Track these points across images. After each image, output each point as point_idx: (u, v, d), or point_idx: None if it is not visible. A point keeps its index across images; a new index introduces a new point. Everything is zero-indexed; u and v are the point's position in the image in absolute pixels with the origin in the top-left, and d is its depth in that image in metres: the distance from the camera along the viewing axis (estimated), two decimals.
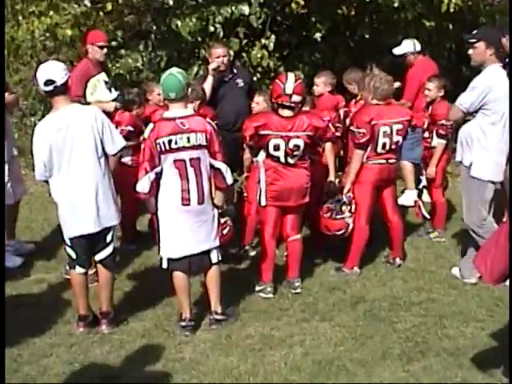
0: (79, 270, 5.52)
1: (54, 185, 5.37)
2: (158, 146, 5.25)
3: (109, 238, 5.49)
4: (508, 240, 3.98)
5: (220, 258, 5.60)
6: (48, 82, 5.21)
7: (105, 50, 7.65)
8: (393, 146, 6.48)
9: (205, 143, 5.35)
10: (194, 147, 5.32)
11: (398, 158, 6.72)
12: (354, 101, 7.48)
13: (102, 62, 7.77)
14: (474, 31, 6.13)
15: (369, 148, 6.40)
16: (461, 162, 6.14)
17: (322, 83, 7.59)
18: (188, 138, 5.29)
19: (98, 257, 5.52)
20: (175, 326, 5.54)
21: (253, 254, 6.95)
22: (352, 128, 6.42)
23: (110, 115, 7.16)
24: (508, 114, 5.88)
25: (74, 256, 5.50)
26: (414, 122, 6.90)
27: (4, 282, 5.64)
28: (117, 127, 6.99)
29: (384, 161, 6.49)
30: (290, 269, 6.27)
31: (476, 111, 5.91)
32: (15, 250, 7.01)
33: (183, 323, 5.49)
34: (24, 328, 5.45)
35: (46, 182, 5.44)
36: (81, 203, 5.33)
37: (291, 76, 6.03)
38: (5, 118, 6.69)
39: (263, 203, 6.12)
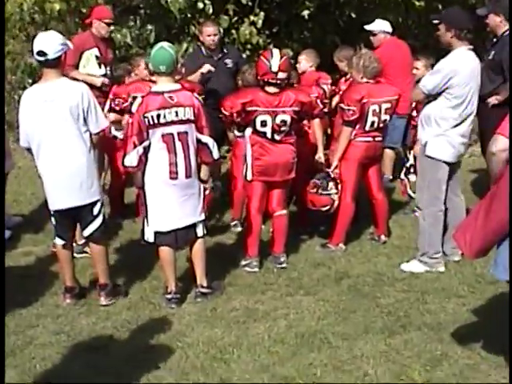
0: (59, 241, 5.56)
1: (38, 157, 5.39)
2: (147, 119, 5.27)
3: (96, 211, 5.49)
4: (488, 214, 4.04)
5: (205, 232, 5.64)
6: (40, 53, 5.21)
7: (111, 26, 7.69)
8: (380, 125, 6.53)
9: (192, 118, 5.38)
10: (181, 121, 5.35)
11: (384, 136, 6.77)
12: (343, 79, 7.53)
13: (105, 38, 7.80)
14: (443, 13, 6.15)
15: (357, 126, 6.45)
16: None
17: (304, 60, 7.70)
18: (176, 113, 5.32)
19: (86, 232, 5.54)
20: (161, 298, 5.59)
21: (239, 229, 7.00)
22: (342, 105, 6.43)
23: (98, 89, 7.23)
24: (472, 98, 5.85)
25: (55, 228, 5.54)
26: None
27: (4, 276, 5.65)
28: (114, 99, 7.05)
29: (371, 138, 6.54)
30: (275, 244, 6.33)
31: (439, 93, 5.84)
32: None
33: (169, 296, 5.54)
34: (11, 299, 5.45)
35: (29, 150, 5.44)
36: (64, 177, 5.34)
37: (276, 53, 6.06)
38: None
39: (249, 178, 6.17)
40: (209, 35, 7.66)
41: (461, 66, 5.78)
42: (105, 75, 7.61)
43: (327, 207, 6.51)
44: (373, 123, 6.46)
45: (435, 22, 6.00)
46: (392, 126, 7.50)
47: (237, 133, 6.86)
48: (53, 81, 5.30)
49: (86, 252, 6.19)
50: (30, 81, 10.22)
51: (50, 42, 5.24)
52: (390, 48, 8.28)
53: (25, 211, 7.72)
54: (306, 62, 7.71)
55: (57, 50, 5.23)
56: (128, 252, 6.58)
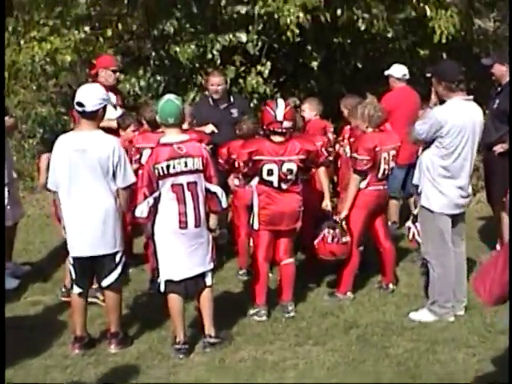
0: (76, 289, 5.58)
1: (64, 202, 5.47)
2: (157, 170, 5.34)
3: (117, 260, 5.54)
4: (507, 263, 4.04)
5: (213, 281, 5.67)
6: (79, 104, 5.35)
7: (117, 74, 7.81)
8: (388, 172, 6.61)
9: (201, 168, 5.46)
10: (191, 171, 5.42)
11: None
12: (348, 127, 7.59)
13: (112, 87, 7.91)
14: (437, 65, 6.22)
15: (369, 175, 6.49)
16: (417, 187, 6.13)
17: (307, 109, 7.80)
18: (185, 163, 5.39)
19: (106, 281, 5.56)
20: (170, 349, 5.58)
21: (246, 278, 7.01)
22: (355, 155, 6.45)
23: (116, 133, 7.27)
24: (465, 149, 5.84)
25: (74, 276, 5.56)
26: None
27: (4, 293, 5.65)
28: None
29: (381, 187, 6.61)
30: (283, 292, 6.33)
31: (432, 142, 5.86)
32: (12, 271, 7.05)
33: (177, 346, 5.53)
34: (19, 350, 5.48)
35: (56, 193, 5.52)
36: (88, 225, 5.41)
37: (281, 102, 6.17)
38: (5, 132, 6.76)
39: (256, 227, 6.20)
40: (212, 85, 7.81)
41: (451, 116, 5.78)
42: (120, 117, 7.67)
43: (345, 255, 6.53)
44: (384, 171, 6.53)
45: (428, 75, 6.08)
46: (391, 176, 7.56)
47: (236, 182, 6.92)
48: (87, 131, 5.40)
49: (97, 298, 6.21)
50: (41, 130, 10.36)
51: (90, 95, 5.39)
52: (398, 95, 8.39)
53: (34, 260, 7.74)
54: (310, 110, 7.81)
55: (95, 104, 5.36)
56: (136, 301, 6.58)
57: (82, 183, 5.37)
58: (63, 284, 6.61)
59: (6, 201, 6.81)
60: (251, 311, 6.21)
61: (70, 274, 5.66)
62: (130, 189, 5.53)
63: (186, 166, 5.40)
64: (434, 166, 5.88)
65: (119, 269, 5.56)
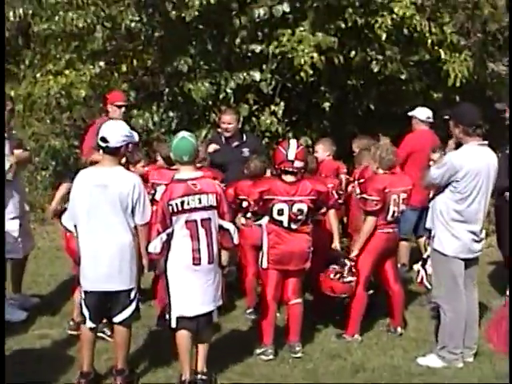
0: (90, 324, 5.56)
1: (82, 236, 5.49)
2: (171, 207, 5.39)
3: (131, 296, 5.54)
4: None
5: (220, 319, 5.72)
6: (103, 139, 5.41)
7: (123, 109, 7.87)
8: (398, 215, 6.61)
9: (215, 204, 5.50)
10: (205, 208, 5.47)
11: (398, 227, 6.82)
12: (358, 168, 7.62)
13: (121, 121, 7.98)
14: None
15: (379, 216, 6.49)
16: (430, 230, 6.13)
17: (320, 149, 7.82)
18: (199, 199, 5.44)
19: (118, 318, 5.55)
20: None
21: (254, 317, 6.99)
22: (365, 196, 6.49)
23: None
24: (479, 194, 5.85)
25: (86, 311, 5.54)
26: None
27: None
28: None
29: (391, 230, 6.61)
30: (290, 332, 6.31)
31: (446, 186, 5.88)
32: (20, 303, 7.06)
33: None
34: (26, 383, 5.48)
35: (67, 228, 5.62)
36: (105, 260, 5.42)
37: (293, 142, 6.23)
38: (4, 124, 6.76)
39: (265, 266, 6.21)
40: (224, 123, 7.92)
41: (466, 161, 5.80)
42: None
43: (345, 295, 6.56)
44: (393, 213, 6.53)
45: (445, 117, 6.10)
46: (403, 218, 7.56)
47: (243, 220, 6.94)
48: (108, 167, 5.45)
49: (105, 333, 6.20)
50: (54, 163, 10.41)
51: (114, 131, 5.45)
52: (420, 137, 8.41)
53: (43, 292, 7.73)
54: (323, 150, 7.83)
55: (119, 141, 5.42)
56: (144, 338, 6.54)
57: (101, 218, 5.40)
58: (71, 317, 6.61)
59: (17, 233, 6.84)
60: (258, 350, 6.19)
61: (80, 308, 5.63)
62: (148, 225, 5.55)
63: (200, 202, 5.44)
64: (448, 210, 5.88)
65: (133, 305, 5.56)
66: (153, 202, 6.10)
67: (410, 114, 8.69)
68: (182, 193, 5.41)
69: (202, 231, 5.45)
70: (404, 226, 7.96)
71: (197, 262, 5.45)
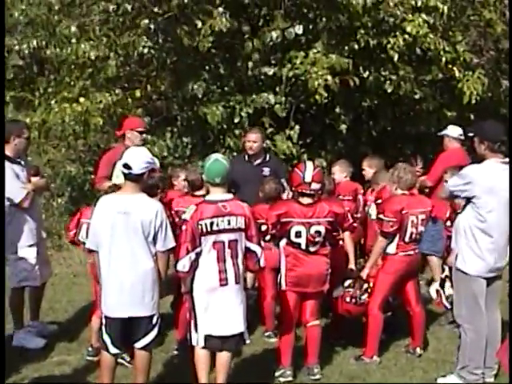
0: (113, 350, 5.52)
1: (103, 262, 5.49)
2: (200, 227, 5.45)
3: (154, 321, 5.53)
4: None
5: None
6: (126, 166, 5.42)
7: (144, 135, 7.89)
8: (417, 236, 6.59)
9: (243, 226, 5.56)
10: (233, 230, 5.53)
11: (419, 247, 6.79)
12: (370, 189, 7.63)
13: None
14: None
15: (396, 238, 6.48)
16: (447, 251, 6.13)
17: (337, 171, 7.82)
18: (229, 221, 5.51)
19: (140, 344, 5.53)
20: None
21: (273, 340, 6.96)
22: (382, 216, 6.49)
23: None
24: (500, 212, 5.81)
25: (107, 337, 5.51)
26: (434, 213, 6.99)
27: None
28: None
29: (412, 252, 6.59)
30: (309, 354, 6.28)
31: (467, 203, 5.87)
32: (38, 331, 7.05)
33: None
34: None
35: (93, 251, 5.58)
36: (127, 287, 5.42)
37: (309, 164, 6.25)
38: (5, 127, 6.78)
39: (283, 288, 6.20)
40: (249, 141, 7.96)
41: (483, 177, 5.79)
42: None
43: (360, 313, 6.60)
44: (411, 234, 6.51)
45: (470, 134, 6.09)
46: (437, 235, 7.56)
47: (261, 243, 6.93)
48: (131, 194, 5.47)
49: (124, 359, 6.19)
50: (69, 189, 10.47)
51: (137, 159, 5.46)
52: (454, 155, 8.40)
53: (60, 319, 7.72)
54: (340, 172, 7.84)
55: (142, 167, 5.43)
56: (161, 362, 6.51)
57: (123, 245, 5.41)
58: (90, 344, 6.60)
59: (35, 261, 6.84)
60: (277, 373, 6.17)
61: (100, 334, 5.61)
62: (169, 253, 5.57)
63: (229, 224, 5.50)
64: (471, 228, 5.86)
65: (155, 330, 5.55)
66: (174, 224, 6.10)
67: (441, 133, 8.70)
68: (211, 214, 5.48)
69: (228, 252, 5.52)
70: (438, 242, 7.92)
71: (223, 282, 5.51)
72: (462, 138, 8.52)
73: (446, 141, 8.66)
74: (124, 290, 5.43)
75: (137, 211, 5.41)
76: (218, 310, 5.52)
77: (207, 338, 5.55)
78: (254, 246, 5.63)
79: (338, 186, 7.62)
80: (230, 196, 5.67)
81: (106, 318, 5.54)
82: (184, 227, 5.56)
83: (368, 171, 7.80)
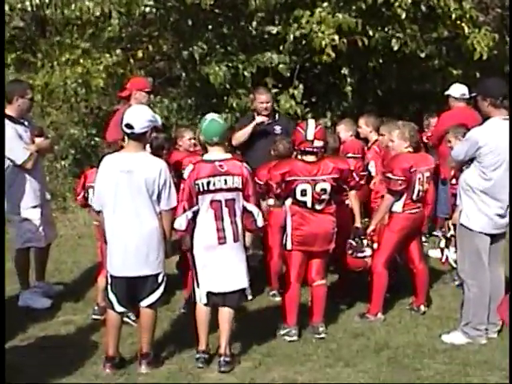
0: (119, 308, 5.56)
1: (108, 222, 5.51)
2: (197, 186, 5.48)
3: (159, 280, 5.56)
4: None
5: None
6: (128, 126, 5.40)
7: (151, 96, 7.83)
8: (423, 194, 6.59)
9: (240, 186, 5.57)
10: (230, 189, 5.54)
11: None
12: (366, 147, 7.59)
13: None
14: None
15: (404, 196, 6.47)
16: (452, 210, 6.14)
17: (342, 130, 7.72)
18: (225, 180, 5.52)
19: (146, 302, 5.56)
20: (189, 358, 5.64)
21: (278, 299, 6.99)
22: (390, 175, 6.46)
23: None
24: (506, 169, 5.80)
25: (112, 296, 5.54)
26: (442, 175, 6.98)
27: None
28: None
29: (418, 209, 6.60)
30: (314, 314, 6.30)
31: (471, 161, 5.86)
32: (44, 291, 7.10)
33: (197, 355, 5.63)
34: (50, 369, 5.49)
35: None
36: (132, 246, 5.44)
37: (311, 122, 6.21)
38: (4, 120, 6.72)
39: (289, 247, 6.19)
40: (261, 102, 7.90)
41: (490, 136, 5.77)
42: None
43: (360, 269, 6.65)
44: (418, 192, 6.51)
45: (473, 94, 6.07)
46: (446, 195, 7.55)
47: (271, 202, 6.91)
48: (133, 153, 5.46)
49: (129, 317, 6.22)
50: (73, 151, 10.44)
51: (138, 117, 5.43)
52: (457, 114, 8.33)
53: (66, 280, 7.77)
54: (345, 131, 7.76)
55: (144, 126, 5.41)
56: (167, 321, 6.56)
57: (127, 204, 5.41)
58: (96, 303, 6.65)
59: (39, 222, 6.86)
60: (282, 331, 6.19)
61: (106, 293, 5.65)
62: (174, 212, 5.56)
63: (225, 183, 5.52)
64: (475, 185, 5.86)
65: (161, 289, 5.59)
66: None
67: (445, 93, 8.61)
68: (208, 173, 5.49)
69: (225, 211, 5.55)
70: (445, 206, 7.92)
71: (222, 241, 5.55)
72: (466, 96, 8.46)
73: (450, 100, 8.61)
74: (129, 249, 5.44)
75: (140, 169, 5.40)
76: (218, 267, 5.56)
77: (209, 294, 5.60)
78: (250, 206, 5.64)
79: (344, 145, 7.57)
80: (228, 155, 5.68)
81: (111, 277, 5.56)
82: (182, 186, 5.59)
83: (364, 129, 7.77)
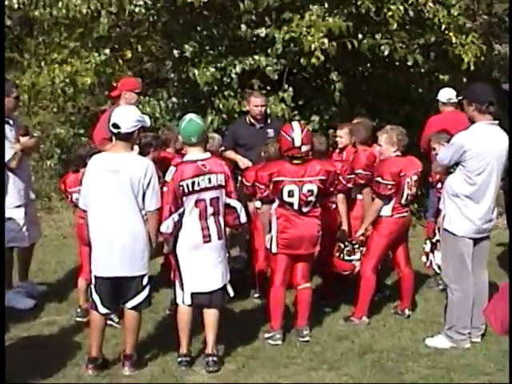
0: (103, 310, 5.55)
1: (93, 222, 5.50)
2: (182, 187, 5.47)
3: (144, 282, 5.56)
4: None
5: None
6: (114, 125, 5.41)
7: (140, 96, 7.82)
8: (411, 198, 6.62)
9: (223, 183, 5.60)
10: (214, 187, 5.57)
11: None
12: (337, 151, 7.53)
13: None
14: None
15: (393, 200, 6.48)
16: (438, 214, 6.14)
17: (345, 134, 7.41)
18: (209, 179, 5.54)
19: (130, 304, 5.56)
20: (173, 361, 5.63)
21: (261, 301, 6.97)
22: (379, 180, 6.45)
23: None
24: (490, 174, 5.82)
25: (96, 297, 5.53)
26: (431, 179, 7.01)
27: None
28: None
29: (406, 213, 6.62)
30: (299, 317, 6.29)
31: (456, 165, 5.86)
32: (27, 291, 7.06)
33: (179, 359, 5.62)
34: (33, 370, 5.47)
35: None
36: (117, 248, 5.42)
37: (297, 127, 6.16)
38: (4, 121, 6.71)
39: (274, 251, 6.18)
40: (256, 105, 7.92)
41: (474, 140, 5.78)
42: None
43: (347, 272, 6.66)
44: (407, 196, 6.52)
45: (459, 98, 6.09)
46: (433, 199, 7.58)
47: (257, 204, 6.89)
48: (120, 153, 5.45)
49: (113, 320, 6.20)
50: (59, 151, 10.39)
51: (125, 117, 5.44)
52: (445, 119, 8.31)
53: (50, 280, 7.74)
54: (347, 135, 7.55)
55: (130, 126, 5.42)
56: (150, 323, 6.53)
57: (113, 204, 5.41)
58: (78, 305, 6.63)
59: (23, 221, 6.83)
60: (266, 335, 6.18)
61: (90, 294, 5.63)
62: (160, 213, 5.55)
63: (209, 182, 5.54)
64: (459, 190, 5.87)
65: (146, 291, 5.58)
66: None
67: (438, 99, 8.64)
68: (192, 173, 5.50)
69: (210, 209, 5.56)
70: (433, 207, 7.92)
71: (207, 239, 5.56)
72: (453, 101, 8.48)
73: (439, 105, 8.63)
74: (115, 249, 5.43)
75: (126, 169, 5.39)
76: (203, 266, 5.56)
77: (193, 295, 5.58)
78: (233, 202, 5.69)
79: (345, 150, 7.43)
80: (208, 155, 5.69)
81: (95, 277, 5.54)
82: (166, 189, 5.58)
83: (339, 139, 7.58)
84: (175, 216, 5.50)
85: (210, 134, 7.30)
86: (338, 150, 7.54)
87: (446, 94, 8.55)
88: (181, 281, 5.62)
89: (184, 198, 5.50)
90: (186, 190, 5.49)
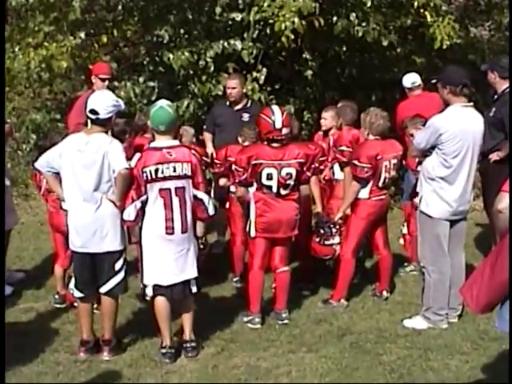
0: (77, 294, 5.61)
1: (66, 201, 5.55)
2: (145, 174, 5.37)
3: (118, 266, 5.55)
4: (493, 271, 4.02)
5: (198, 289, 5.67)
6: (92, 111, 5.39)
7: (106, 82, 7.79)
8: (389, 181, 6.62)
9: (190, 173, 5.47)
10: (179, 177, 5.44)
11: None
12: (320, 133, 7.54)
13: None
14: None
15: (370, 183, 6.49)
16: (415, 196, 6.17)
17: (329, 117, 7.39)
18: (174, 168, 5.42)
19: (105, 288, 5.56)
20: (156, 354, 5.58)
21: (240, 285, 6.99)
22: (356, 162, 6.44)
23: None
24: (466, 156, 5.86)
25: (72, 282, 5.61)
26: (404, 162, 7.03)
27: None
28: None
29: (383, 196, 6.62)
30: (277, 300, 6.31)
31: (432, 149, 5.88)
32: (5, 278, 7.01)
33: (163, 350, 5.56)
34: (11, 356, 5.41)
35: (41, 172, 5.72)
36: (89, 223, 5.44)
37: (277, 110, 6.15)
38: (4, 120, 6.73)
39: (253, 235, 6.18)
40: (228, 87, 8.09)
41: (450, 123, 5.80)
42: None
43: (328, 257, 6.64)
44: (385, 180, 6.53)
45: (433, 81, 6.10)
46: (408, 183, 7.60)
47: (232, 188, 6.89)
48: (93, 134, 5.44)
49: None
50: (35, 137, 10.31)
51: (103, 103, 5.42)
52: (413, 103, 8.35)
53: (27, 267, 7.72)
54: (332, 118, 7.39)
55: (108, 111, 5.41)
56: (129, 308, 6.54)
57: (81, 183, 5.41)
58: (56, 291, 6.61)
59: None
60: (245, 319, 6.20)
61: (75, 278, 5.66)
62: (128, 176, 5.42)
63: (174, 171, 5.42)
64: (435, 173, 5.89)
65: (120, 275, 5.57)
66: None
67: (403, 84, 8.64)
68: (156, 160, 5.39)
69: (175, 200, 5.43)
70: (408, 189, 7.95)
71: (170, 231, 5.44)
72: (416, 85, 8.50)
73: (406, 91, 8.64)
74: (86, 228, 5.45)
75: (91, 147, 5.39)
76: (164, 259, 5.47)
77: (155, 287, 5.52)
78: (200, 194, 5.54)
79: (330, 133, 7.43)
80: (176, 142, 5.59)
81: (72, 253, 5.61)
82: None
83: (325, 122, 7.59)
84: (137, 203, 5.41)
85: (183, 127, 7.31)
86: (321, 132, 7.56)
87: (409, 79, 8.58)
88: (142, 272, 5.56)
89: (147, 186, 5.40)
90: (149, 177, 5.37)
